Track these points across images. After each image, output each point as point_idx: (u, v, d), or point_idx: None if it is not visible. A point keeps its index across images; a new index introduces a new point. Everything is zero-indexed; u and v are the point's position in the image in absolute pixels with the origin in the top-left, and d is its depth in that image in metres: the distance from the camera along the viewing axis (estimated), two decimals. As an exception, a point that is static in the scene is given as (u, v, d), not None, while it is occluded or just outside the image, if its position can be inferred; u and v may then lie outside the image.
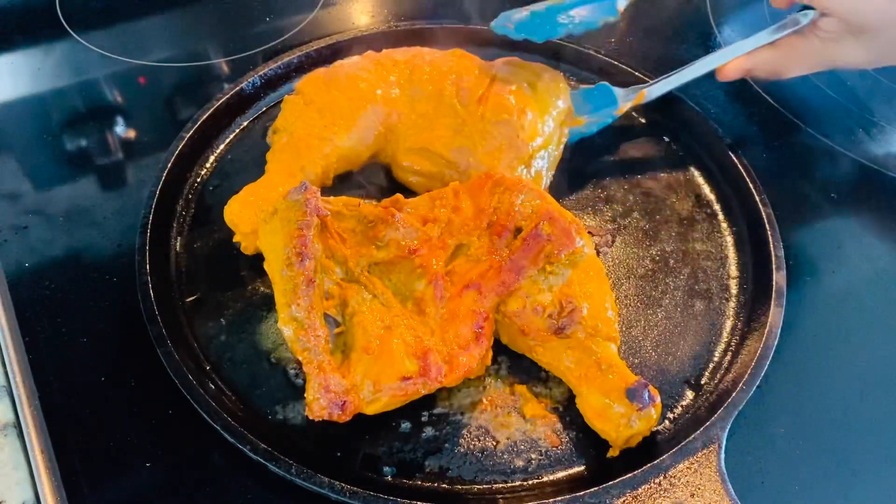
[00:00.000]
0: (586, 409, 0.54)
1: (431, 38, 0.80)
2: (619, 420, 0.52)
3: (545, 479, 0.54)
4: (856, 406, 0.59)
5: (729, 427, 0.54)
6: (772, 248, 0.65)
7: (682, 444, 0.53)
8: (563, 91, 0.68)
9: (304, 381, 0.50)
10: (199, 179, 0.71)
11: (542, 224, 0.55)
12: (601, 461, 0.54)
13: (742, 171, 0.71)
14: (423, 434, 0.55)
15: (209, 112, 0.72)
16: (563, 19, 0.66)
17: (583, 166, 0.74)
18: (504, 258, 0.55)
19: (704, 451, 0.52)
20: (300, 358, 0.49)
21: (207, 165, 0.72)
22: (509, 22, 0.67)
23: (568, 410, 0.56)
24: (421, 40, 0.77)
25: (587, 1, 0.66)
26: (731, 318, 0.63)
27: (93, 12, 0.90)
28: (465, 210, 0.57)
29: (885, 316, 0.65)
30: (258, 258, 0.55)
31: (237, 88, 0.75)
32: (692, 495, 0.51)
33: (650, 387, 0.52)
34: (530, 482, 0.53)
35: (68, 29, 0.87)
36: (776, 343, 0.59)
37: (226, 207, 0.60)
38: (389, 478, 0.53)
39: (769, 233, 0.66)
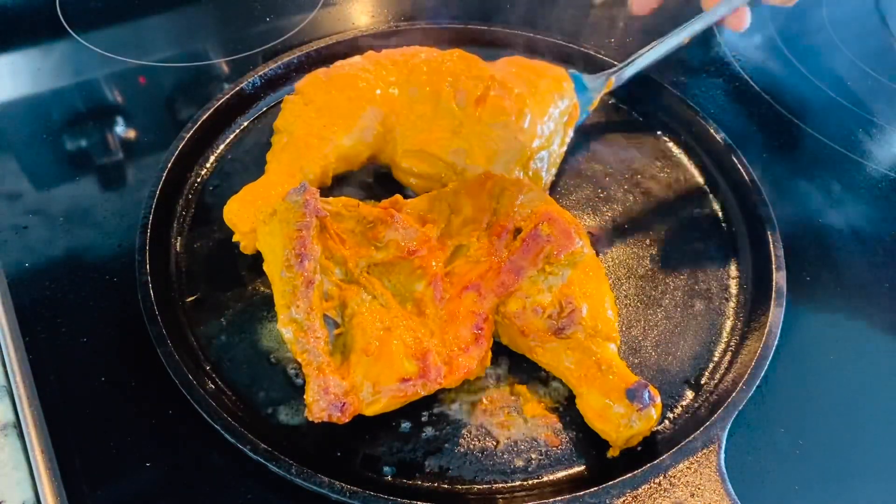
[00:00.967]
0: (586, 410, 0.54)
1: (431, 39, 0.80)
2: (619, 420, 0.52)
3: (545, 478, 0.54)
4: (856, 406, 0.59)
5: (729, 427, 0.54)
6: (772, 248, 0.65)
7: (682, 444, 0.53)
8: (567, 90, 0.68)
9: (305, 381, 0.50)
10: (199, 179, 0.71)
11: (542, 225, 0.55)
12: (601, 461, 0.54)
13: (742, 171, 0.71)
14: (423, 434, 0.55)
15: (209, 112, 0.72)
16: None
17: (582, 166, 0.74)
18: (503, 259, 0.55)
19: (704, 451, 0.52)
20: (300, 360, 0.49)
21: (207, 165, 0.72)
22: None
23: (568, 410, 0.56)
24: (421, 40, 0.77)
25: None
26: (731, 318, 0.63)
27: (93, 12, 0.90)
28: (465, 211, 0.57)
29: (885, 315, 0.65)
30: (258, 258, 0.55)
31: (237, 88, 0.75)
32: (692, 495, 0.51)
33: (650, 387, 0.52)
34: (530, 482, 0.53)
35: (68, 29, 0.87)
36: (776, 343, 0.59)
37: (225, 207, 0.60)
38: (389, 478, 0.53)
39: (769, 233, 0.66)
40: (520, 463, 0.54)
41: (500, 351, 0.59)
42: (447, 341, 0.52)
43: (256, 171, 0.64)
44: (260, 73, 0.77)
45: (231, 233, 0.61)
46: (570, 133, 0.69)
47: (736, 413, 0.55)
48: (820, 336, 0.63)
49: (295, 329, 0.49)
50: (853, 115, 0.82)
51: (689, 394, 0.59)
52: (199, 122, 0.71)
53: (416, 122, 0.65)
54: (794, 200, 0.73)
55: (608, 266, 0.66)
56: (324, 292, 0.51)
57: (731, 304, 0.64)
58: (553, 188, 0.70)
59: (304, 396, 0.49)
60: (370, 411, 0.50)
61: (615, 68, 0.73)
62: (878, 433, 0.58)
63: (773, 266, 0.63)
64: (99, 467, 0.53)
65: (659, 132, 0.78)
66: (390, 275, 0.55)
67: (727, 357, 0.61)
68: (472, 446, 0.55)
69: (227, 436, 0.52)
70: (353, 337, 0.51)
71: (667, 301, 0.64)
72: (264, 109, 0.77)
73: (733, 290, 0.65)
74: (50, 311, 0.61)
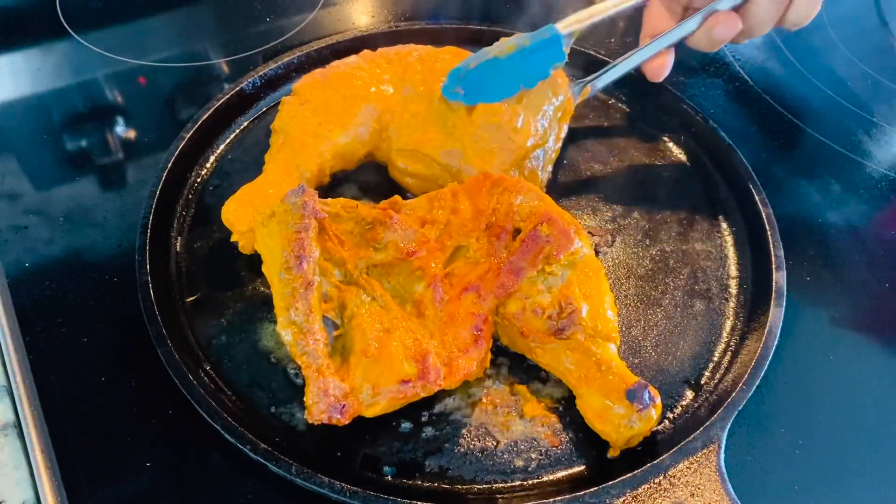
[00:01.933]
0: (586, 410, 0.54)
1: (431, 38, 0.80)
2: (619, 421, 0.52)
3: (545, 478, 0.54)
4: (856, 406, 0.59)
5: (729, 427, 0.54)
6: (772, 248, 0.65)
7: (682, 444, 0.53)
8: (562, 86, 0.68)
9: (305, 381, 0.50)
10: (199, 179, 0.71)
11: (541, 225, 0.55)
12: (601, 461, 0.54)
13: (742, 171, 0.71)
14: (423, 434, 0.55)
15: (209, 112, 0.72)
16: (514, 75, 0.64)
17: (582, 166, 0.74)
18: (503, 260, 0.55)
19: (704, 451, 0.53)
20: (299, 362, 0.49)
21: (207, 165, 0.72)
22: (458, 87, 0.64)
23: (568, 410, 0.56)
24: (421, 40, 0.77)
25: (535, 50, 0.64)
26: (731, 318, 0.63)
27: (93, 12, 0.90)
28: (464, 211, 0.57)
29: (885, 315, 0.65)
30: (258, 258, 0.55)
31: (237, 88, 0.75)
32: (692, 495, 0.51)
33: (650, 387, 0.52)
34: (530, 482, 0.53)
35: (68, 29, 0.87)
36: (776, 343, 0.59)
37: (223, 208, 0.60)
38: (389, 478, 0.53)
39: (769, 233, 0.66)
40: (520, 463, 0.54)
41: (500, 351, 0.59)
42: (447, 343, 0.52)
43: (256, 171, 0.64)
44: (260, 73, 0.77)
45: (231, 232, 0.61)
46: (565, 129, 0.68)
47: (736, 413, 0.55)
48: (820, 336, 0.63)
49: (294, 331, 0.49)
50: (853, 115, 0.82)
51: (689, 394, 0.59)
52: (199, 122, 0.71)
53: (410, 120, 0.65)
54: (794, 200, 0.73)
55: (608, 266, 0.66)
56: (323, 294, 0.51)
57: (731, 304, 0.64)
58: (553, 188, 0.70)
59: (304, 399, 0.49)
60: (370, 413, 0.50)
61: (591, 77, 0.72)
62: (878, 433, 0.58)
63: (773, 266, 0.63)
64: (99, 467, 0.53)
65: (659, 132, 0.78)
66: (389, 276, 0.55)
67: (727, 357, 0.61)
68: (472, 446, 0.55)
69: (227, 436, 0.52)
70: (352, 338, 0.51)
71: (667, 301, 0.64)
72: (264, 109, 0.77)
73: (733, 290, 0.65)
74: (50, 311, 0.61)
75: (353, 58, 0.69)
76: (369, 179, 0.71)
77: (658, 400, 0.52)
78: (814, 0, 0.65)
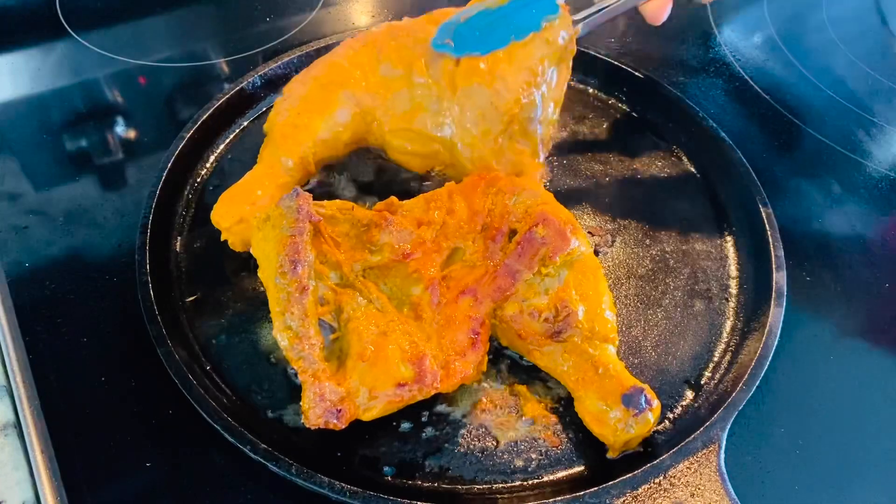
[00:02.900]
0: (584, 413, 0.54)
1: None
2: (615, 424, 0.51)
3: (545, 478, 0.54)
4: (856, 406, 0.59)
5: (729, 427, 0.54)
6: (772, 248, 0.65)
7: (682, 444, 0.53)
8: (549, 30, 0.63)
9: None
10: (199, 179, 0.71)
11: (536, 227, 0.55)
12: (601, 461, 0.54)
13: (742, 171, 0.71)
14: (423, 434, 0.55)
15: (209, 112, 0.72)
16: (504, 27, 0.62)
17: (582, 166, 0.74)
18: (499, 262, 0.55)
19: (704, 451, 0.52)
20: (295, 366, 0.49)
21: (207, 165, 0.72)
22: (448, 38, 0.62)
23: (568, 410, 0.56)
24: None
25: (527, 2, 0.62)
26: (731, 318, 0.63)
27: (93, 12, 0.90)
28: (460, 212, 0.57)
29: (885, 315, 0.65)
30: (258, 258, 0.55)
31: (237, 88, 0.75)
32: (692, 495, 0.51)
33: (647, 391, 0.52)
34: (530, 482, 0.53)
35: (68, 29, 0.87)
36: (776, 343, 0.59)
37: (212, 212, 0.60)
38: (389, 478, 0.53)
39: (769, 233, 0.66)
40: (520, 463, 0.54)
41: (500, 351, 0.59)
42: (444, 346, 0.52)
43: (256, 171, 0.64)
44: (260, 73, 0.77)
45: (230, 233, 0.61)
46: (569, 67, 0.65)
47: (736, 413, 0.55)
48: (820, 336, 0.63)
49: (290, 336, 0.49)
50: (853, 115, 0.82)
51: (689, 394, 0.59)
52: (199, 122, 0.71)
53: (394, 99, 0.64)
54: (794, 200, 0.73)
55: (608, 266, 0.66)
56: (319, 297, 0.51)
57: (731, 304, 0.64)
58: (553, 187, 0.70)
59: (301, 403, 0.48)
60: (367, 417, 0.50)
61: (582, 15, 0.66)
62: (877, 433, 0.58)
63: (773, 266, 0.63)
64: (99, 467, 0.53)
65: (659, 132, 0.78)
66: (386, 278, 0.54)
67: (727, 357, 0.60)
68: (472, 446, 0.55)
69: (227, 436, 0.52)
70: (348, 342, 0.50)
71: (667, 301, 0.64)
72: (264, 109, 0.77)
73: (733, 290, 0.65)
74: (50, 311, 0.61)
75: (336, 47, 0.68)
76: (369, 180, 0.71)
77: (655, 403, 0.52)
78: None
